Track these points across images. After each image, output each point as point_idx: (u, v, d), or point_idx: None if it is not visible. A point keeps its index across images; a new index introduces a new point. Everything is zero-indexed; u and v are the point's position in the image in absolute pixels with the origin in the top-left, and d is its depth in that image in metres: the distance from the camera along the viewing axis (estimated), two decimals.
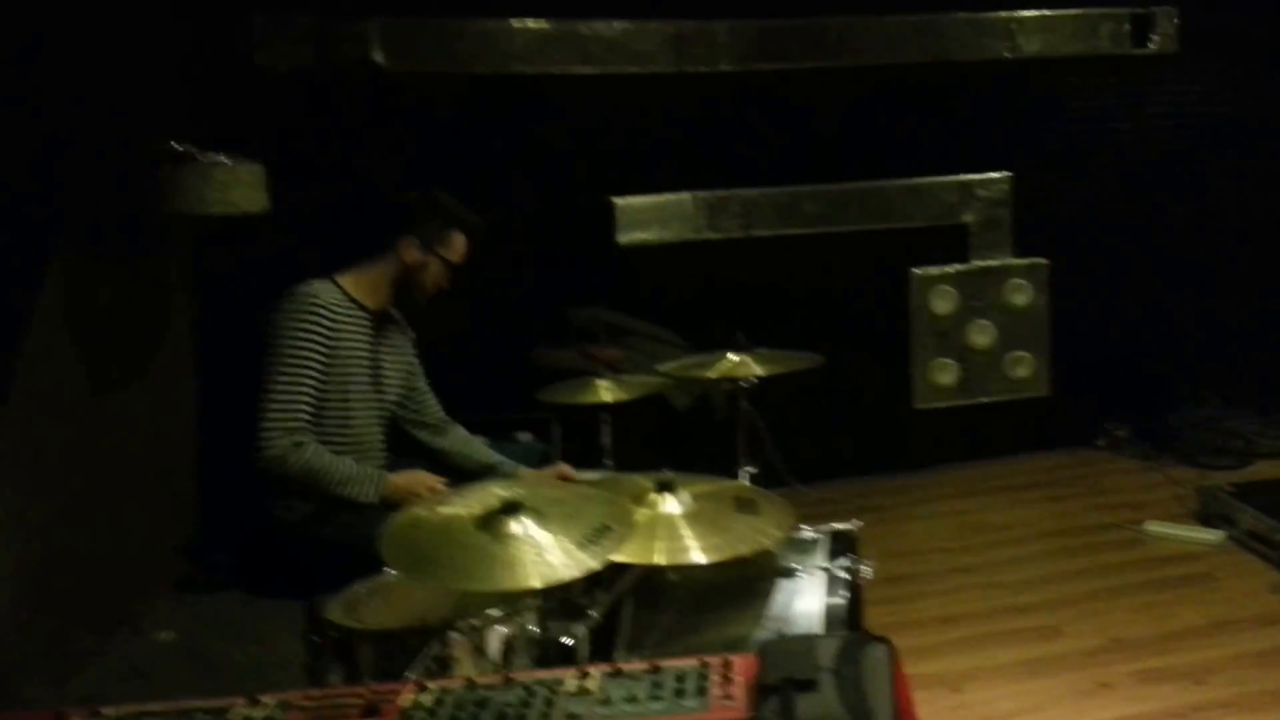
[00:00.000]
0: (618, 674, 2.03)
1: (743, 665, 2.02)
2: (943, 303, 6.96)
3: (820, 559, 3.32)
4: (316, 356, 3.75)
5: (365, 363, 3.93)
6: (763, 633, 2.96)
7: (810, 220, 6.64)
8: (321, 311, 3.78)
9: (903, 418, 7.09)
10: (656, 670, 2.03)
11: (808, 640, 2.06)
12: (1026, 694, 4.31)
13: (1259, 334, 7.41)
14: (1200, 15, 7.02)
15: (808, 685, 1.88)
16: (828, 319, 6.58)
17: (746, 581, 3.18)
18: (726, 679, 1.98)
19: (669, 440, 5.58)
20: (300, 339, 3.73)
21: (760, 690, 1.89)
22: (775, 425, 5.50)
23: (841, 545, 3.41)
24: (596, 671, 2.05)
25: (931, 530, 6.19)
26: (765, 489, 3.37)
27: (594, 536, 2.54)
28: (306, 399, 3.72)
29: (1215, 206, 7.30)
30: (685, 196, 6.40)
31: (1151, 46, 7.01)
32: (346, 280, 3.95)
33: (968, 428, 7.19)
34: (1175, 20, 7.00)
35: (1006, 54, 6.82)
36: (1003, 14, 6.81)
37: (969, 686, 4.40)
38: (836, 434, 6.92)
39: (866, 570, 3.30)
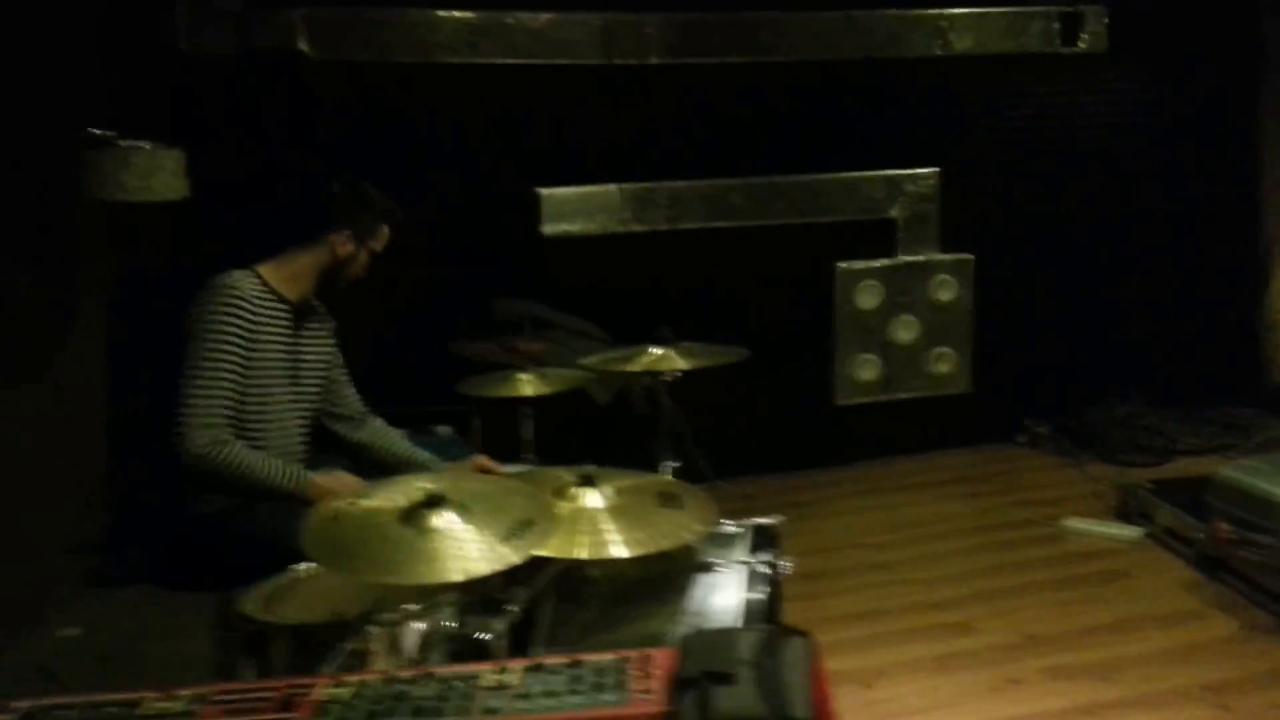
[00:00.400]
0: (537, 668, 2.02)
1: (662, 659, 2.02)
2: (867, 297, 6.99)
3: (741, 554, 3.33)
4: (237, 350, 3.70)
5: (285, 355, 3.88)
6: (681, 628, 2.96)
7: (737, 213, 6.66)
8: (242, 304, 3.73)
9: (826, 413, 7.11)
10: (576, 664, 2.02)
11: (727, 634, 2.06)
12: (937, 690, 4.35)
13: (1180, 332, 7.51)
14: (1129, 15, 7.10)
15: (726, 679, 1.88)
16: (754, 313, 6.60)
17: (666, 576, 3.18)
18: (646, 673, 1.97)
19: (591, 434, 5.57)
20: (220, 333, 3.68)
21: (679, 684, 1.89)
22: (699, 420, 5.51)
23: (763, 540, 3.43)
24: (515, 665, 2.04)
25: (850, 526, 6.21)
26: (688, 484, 3.37)
27: (516, 531, 2.53)
28: (228, 394, 3.67)
29: (1139, 205, 7.40)
30: (611, 188, 6.39)
31: (1081, 45, 7.08)
32: (268, 271, 3.90)
33: (890, 424, 7.22)
34: (1105, 19, 7.08)
35: (937, 51, 6.87)
36: (933, 11, 6.85)
37: (881, 683, 4.42)
38: (760, 429, 6.93)
39: (786, 566, 3.31)
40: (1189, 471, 6.30)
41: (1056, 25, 7.05)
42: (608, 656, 2.04)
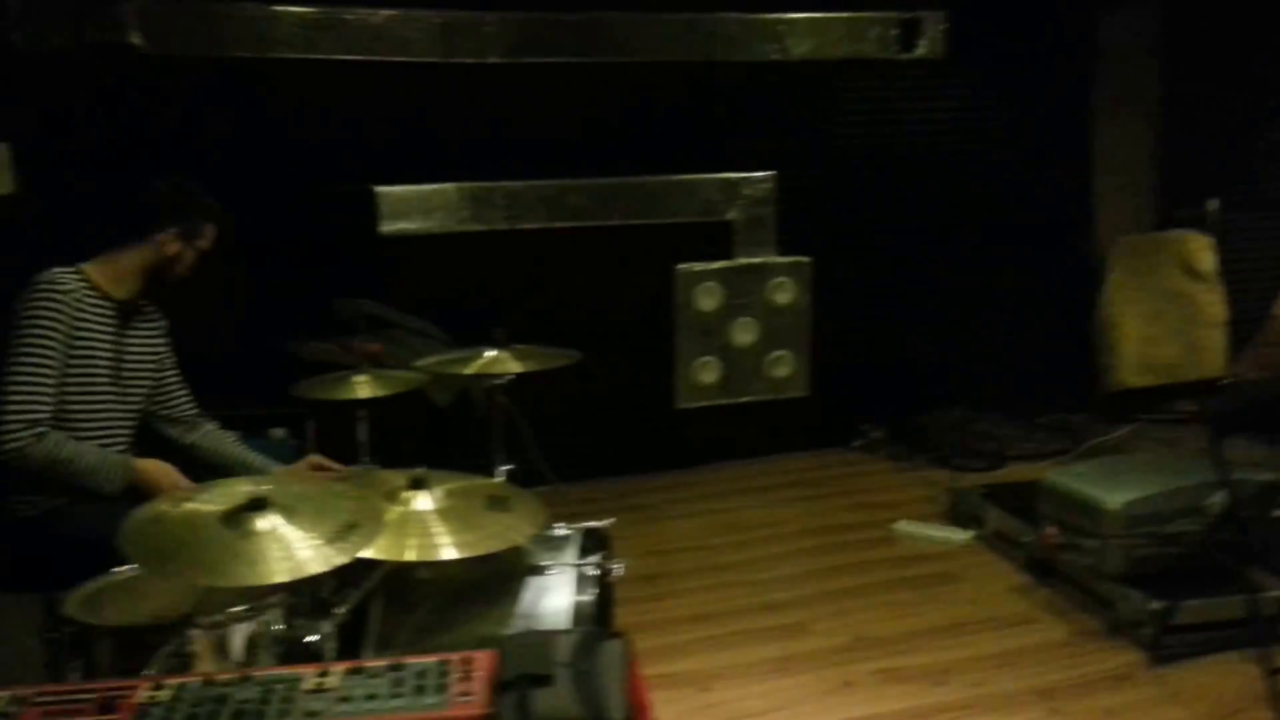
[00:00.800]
0: (358, 671, 2.03)
1: (483, 662, 2.03)
2: (707, 299, 7.03)
3: (571, 556, 3.34)
4: (56, 347, 3.64)
5: (108, 354, 3.82)
6: (511, 630, 2.97)
7: (576, 213, 6.65)
8: (62, 300, 3.67)
9: (665, 416, 7.13)
10: (397, 667, 2.02)
11: (545, 636, 2.08)
12: (773, 693, 4.37)
13: (1013, 339, 7.62)
14: (967, 21, 7.21)
15: (544, 681, 1.90)
16: (595, 314, 6.60)
17: (496, 579, 3.18)
18: (467, 675, 1.98)
19: (430, 437, 5.54)
20: (40, 329, 3.62)
21: (499, 686, 1.91)
22: (538, 423, 5.49)
23: (593, 543, 3.44)
24: (337, 668, 2.04)
25: (688, 529, 6.25)
26: (525, 487, 3.38)
27: (342, 533, 2.51)
28: (48, 390, 3.61)
29: (975, 210, 7.51)
30: (449, 187, 6.35)
31: (919, 51, 7.16)
32: (93, 269, 3.84)
33: (729, 427, 7.27)
34: (943, 26, 7.18)
35: (776, 55, 6.90)
36: (772, 16, 6.89)
37: (718, 686, 4.44)
38: (600, 432, 6.95)
39: (617, 568, 3.34)
40: (1021, 476, 6.39)
41: (895, 31, 7.12)
42: (429, 659, 2.05)
